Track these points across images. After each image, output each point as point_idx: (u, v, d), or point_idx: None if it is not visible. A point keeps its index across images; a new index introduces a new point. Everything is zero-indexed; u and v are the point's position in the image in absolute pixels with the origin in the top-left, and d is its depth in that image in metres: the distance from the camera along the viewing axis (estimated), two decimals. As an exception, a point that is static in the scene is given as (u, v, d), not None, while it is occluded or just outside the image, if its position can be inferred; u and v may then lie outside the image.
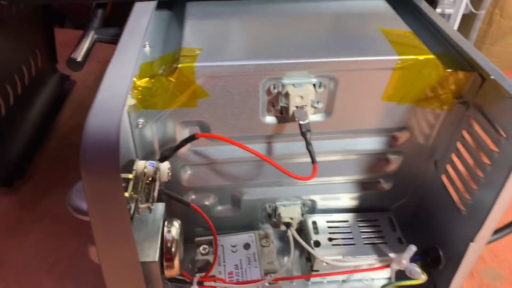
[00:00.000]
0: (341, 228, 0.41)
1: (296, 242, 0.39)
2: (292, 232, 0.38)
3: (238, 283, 0.37)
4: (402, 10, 0.39)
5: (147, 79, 0.30)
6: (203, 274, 0.38)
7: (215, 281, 0.37)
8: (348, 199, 0.42)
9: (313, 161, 0.32)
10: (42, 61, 0.62)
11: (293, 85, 0.32)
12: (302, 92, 0.31)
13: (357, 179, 0.41)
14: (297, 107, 0.32)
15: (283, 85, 0.32)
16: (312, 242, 0.40)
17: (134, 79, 0.30)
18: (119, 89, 0.26)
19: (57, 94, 0.65)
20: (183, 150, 0.35)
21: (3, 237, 0.45)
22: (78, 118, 0.63)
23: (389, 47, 0.32)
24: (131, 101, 0.31)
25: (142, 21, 0.34)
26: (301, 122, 0.32)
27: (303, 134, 0.32)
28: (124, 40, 0.31)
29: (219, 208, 0.42)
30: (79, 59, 0.32)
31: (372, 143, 0.37)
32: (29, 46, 0.58)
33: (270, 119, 0.34)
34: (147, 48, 0.34)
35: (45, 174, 0.53)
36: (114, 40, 0.36)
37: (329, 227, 0.41)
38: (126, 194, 0.29)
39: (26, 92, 0.57)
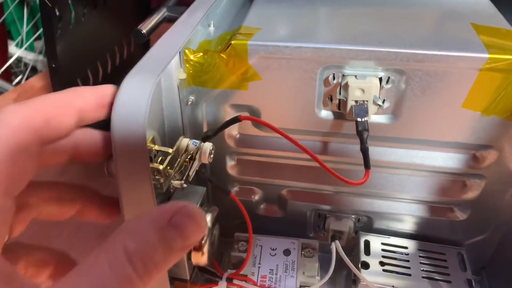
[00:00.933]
0: (398, 254, 0.36)
1: (339, 259, 0.34)
2: (336, 246, 0.34)
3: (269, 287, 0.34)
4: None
5: (200, 54, 0.29)
6: (234, 271, 0.35)
7: (245, 281, 0.35)
8: (411, 223, 0.37)
9: (367, 165, 0.28)
10: (135, 46, 0.66)
11: (355, 76, 0.28)
12: (364, 84, 0.28)
13: (424, 200, 0.35)
14: (356, 102, 0.28)
15: (343, 76, 0.28)
16: (360, 262, 0.35)
17: (187, 52, 0.29)
18: (163, 56, 0.26)
19: (143, 79, 0.69)
20: (231, 134, 0.34)
21: (67, 199, 0.48)
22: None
23: (478, 43, 0.27)
24: (182, 75, 0.30)
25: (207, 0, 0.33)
26: (358, 119, 0.28)
27: (359, 133, 0.28)
28: (184, 16, 0.31)
29: (264, 206, 0.39)
30: (144, 31, 0.32)
31: (446, 160, 0.32)
32: (124, 29, 0.63)
33: (326, 113, 0.31)
34: (212, 28, 0.34)
35: (115, 149, 0.56)
36: (183, 19, 0.36)
37: (383, 250, 0.36)
38: (161, 167, 0.28)
39: (115, 72, 0.61)
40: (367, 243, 0.37)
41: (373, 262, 0.35)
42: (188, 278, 0.33)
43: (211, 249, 0.37)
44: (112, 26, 0.59)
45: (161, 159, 0.29)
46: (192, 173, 0.30)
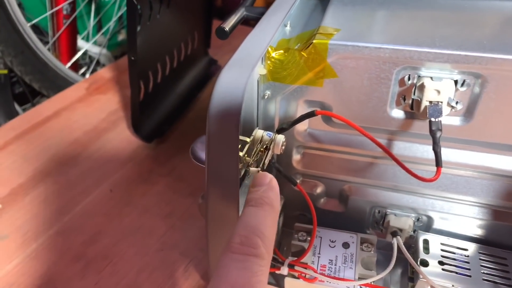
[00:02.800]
0: (457, 255, 0.36)
1: (400, 255, 0.35)
2: (398, 241, 0.35)
3: (328, 276, 0.36)
4: None
5: (281, 51, 0.31)
6: (295, 258, 0.37)
7: (305, 268, 0.36)
8: (473, 226, 0.37)
9: (438, 163, 0.29)
10: (198, 43, 0.70)
11: (431, 78, 0.29)
12: (440, 86, 0.29)
13: (489, 204, 0.35)
14: (431, 102, 0.29)
15: (419, 77, 0.30)
16: (418, 260, 0.36)
17: (269, 49, 0.31)
18: (253, 53, 0.28)
19: (204, 74, 0.72)
20: (301, 129, 0.36)
21: (136, 182, 0.52)
22: (216, 97, 0.69)
23: (562, 49, 0.27)
24: (262, 70, 0.32)
25: (287, 1, 0.35)
26: (432, 119, 0.29)
27: (432, 133, 0.29)
28: (267, 15, 0.33)
29: (325, 200, 0.41)
30: (226, 28, 0.35)
31: (517, 164, 0.32)
32: (190, 27, 0.66)
33: (398, 112, 0.32)
34: (288, 28, 0.36)
35: (179, 138, 0.59)
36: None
37: (442, 250, 0.37)
38: (241, 154, 0.30)
39: (179, 67, 0.65)
40: (426, 242, 0.37)
41: (432, 261, 0.36)
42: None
43: (276, 235, 0.39)
44: (181, 23, 0.63)
45: (240, 147, 0.31)
46: (267, 161, 0.32)
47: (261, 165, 0.32)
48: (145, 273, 0.41)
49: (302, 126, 0.36)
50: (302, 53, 0.31)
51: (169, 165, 0.54)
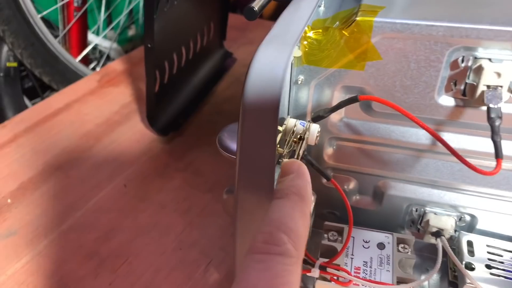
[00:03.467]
0: (506, 258, 0.33)
1: (443, 257, 0.32)
2: (443, 242, 0.32)
3: (364, 279, 0.33)
4: None
5: (319, 30, 0.28)
6: (327, 260, 0.34)
7: (338, 270, 0.33)
8: (522, 226, 0.34)
9: (498, 155, 0.26)
10: (214, 35, 0.67)
11: (489, 59, 0.26)
12: (501, 68, 0.26)
13: (543, 203, 0.32)
14: (488, 87, 0.26)
15: (475, 59, 0.26)
16: (463, 263, 0.33)
17: (306, 28, 0.28)
18: (291, 30, 0.25)
19: (219, 67, 0.70)
20: (335, 119, 0.33)
21: (151, 177, 0.49)
22: (232, 90, 0.66)
23: None
24: (297, 52, 0.29)
25: (323, -21, 0.32)
26: (490, 106, 0.26)
27: (491, 121, 0.26)
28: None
29: (358, 197, 0.38)
30: (255, 8, 0.32)
31: None
32: (206, 18, 0.64)
33: (447, 100, 0.29)
34: (322, 8, 0.33)
35: (195, 132, 0.57)
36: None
37: (489, 253, 0.34)
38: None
39: (194, 58, 0.62)
40: (470, 244, 0.34)
41: (479, 264, 0.33)
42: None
43: (308, 235, 0.36)
44: (198, 12, 0.60)
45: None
46: (301, 153, 0.29)
47: (295, 157, 0.29)
48: (163, 273, 0.39)
49: (336, 116, 0.33)
50: (343, 32, 0.28)
51: (185, 159, 0.52)
